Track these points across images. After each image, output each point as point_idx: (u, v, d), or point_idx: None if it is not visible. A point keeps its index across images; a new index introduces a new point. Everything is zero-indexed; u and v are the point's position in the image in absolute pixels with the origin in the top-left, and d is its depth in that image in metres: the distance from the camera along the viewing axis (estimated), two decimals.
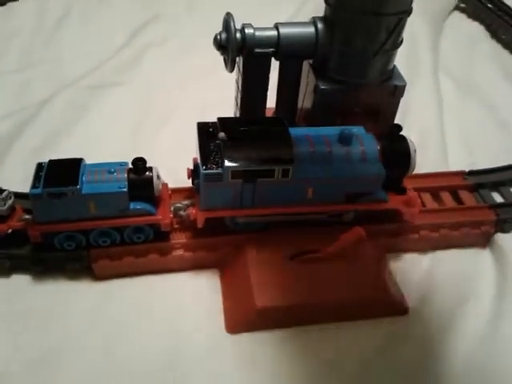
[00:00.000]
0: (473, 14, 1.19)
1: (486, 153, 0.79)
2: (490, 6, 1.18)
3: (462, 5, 1.21)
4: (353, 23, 0.57)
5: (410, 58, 0.96)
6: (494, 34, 1.13)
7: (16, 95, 0.85)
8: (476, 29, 1.15)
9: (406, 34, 1.05)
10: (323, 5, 0.61)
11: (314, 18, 0.60)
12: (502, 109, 0.89)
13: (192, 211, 0.57)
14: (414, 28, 1.05)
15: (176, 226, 0.61)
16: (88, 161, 0.57)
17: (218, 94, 0.73)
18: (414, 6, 1.11)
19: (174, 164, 0.62)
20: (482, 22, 1.17)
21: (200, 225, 0.57)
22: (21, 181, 0.63)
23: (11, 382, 0.50)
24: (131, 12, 1.10)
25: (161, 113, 0.83)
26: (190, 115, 0.71)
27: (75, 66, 0.92)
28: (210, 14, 1.07)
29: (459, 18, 1.19)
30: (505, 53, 1.07)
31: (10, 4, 1.10)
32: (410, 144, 0.59)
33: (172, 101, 0.85)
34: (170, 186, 0.62)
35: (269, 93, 0.65)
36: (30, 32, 1.02)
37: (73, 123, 0.80)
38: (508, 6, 1.16)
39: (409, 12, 0.58)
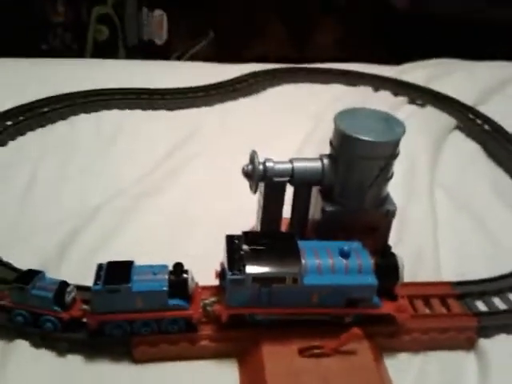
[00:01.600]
0: (471, 134, 1.35)
1: (475, 264, 0.89)
2: (486, 127, 1.35)
3: (461, 125, 1.38)
4: (350, 163, 0.73)
5: (408, 175, 1.11)
6: (490, 153, 1.27)
7: (74, 201, 1.01)
8: (473, 148, 1.30)
9: (407, 151, 1.20)
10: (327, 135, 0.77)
11: (320, 155, 0.76)
12: (492, 225, 1.00)
13: (217, 307, 0.70)
14: (415, 146, 1.20)
15: (203, 319, 0.73)
16: (132, 258, 0.70)
17: (244, 205, 0.86)
18: (416, 125, 1.27)
19: (204, 264, 0.74)
20: (478, 141, 1.32)
21: (224, 320, 0.69)
22: (78, 275, 0.77)
23: None
24: (174, 127, 1.30)
25: (195, 219, 0.97)
26: (219, 223, 0.86)
27: (125, 175, 1.08)
28: (238, 129, 1.27)
29: (459, 138, 1.34)
30: (498, 171, 1.21)
31: (71, 118, 1.31)
32: (398, 260, 0.71)
33: (205, 209, 0.99)
34: (200, 283, 0.75)
35: (285, 206, 0.79)
36: (88, 143, 1.21)
37: (122, 226, 0.94)
38: (502, 127, 1.32)
39: (395, 156, 0.73)
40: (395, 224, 0.82)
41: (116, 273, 0.68)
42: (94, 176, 1.09)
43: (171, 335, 0.70)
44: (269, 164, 0.74)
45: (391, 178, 0.76)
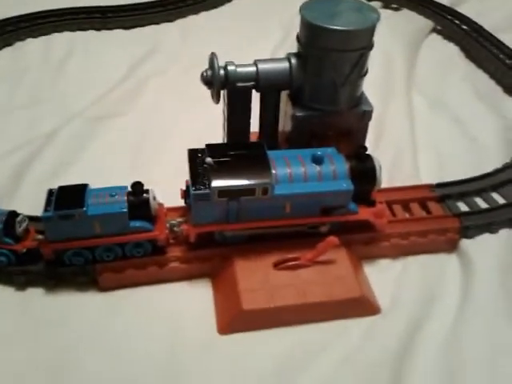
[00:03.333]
0: (449, 36, 1.28)
1: (455, 166, 0.86)
2: (464, 27, 1.27)
3: (439, 27, 1.30)
4: (321, 59, 0.65)
5: (385, 79, 1.04)
6: (468, 55, 1.20)
7: (25, 129, 0.93)
8: (451, 49, 1.23)
9: (383, 55, 1.14)
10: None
11: (288, 54, 0.68)
12: (471, 125, 0.96)
13: (185, 227, 0.65)
14: (391, 50, 1.14)
15: (172, 241, 0.68)
16: (93, 186, 0.64)
17: (212, 121, 0.80)
18: (391, 28, 1.19)
19: (170, 186, 0.69)
20: (457, 43, 1.25)
21: (192, 239, 0.65)
22: (33, 205, 0.70)
23: None
24: (131, 46, 1.19)
25: (159, 140, 0.91)
26: (186, 141, 0.78)
27: (80, 99, 1.00)
28: (202, 44, 1.17)
29: (436, 40, 1.27)
30: (478, 72, 1.14)
31: (17, 44, 1.19)
32: (375, 162, 0.66)
33: (169, 128, 0.93)
34: (166, 205, 0.70)
35: (254, 117, 0.73)
36: (37, 69, 1.10)
37: (78, 152, 0.87)
38: (481, 27, 1.25)
39: (369, 47, 0.66)
40: (371, 129, 0.77)
41: (68, 197, 0.61)
42: (45, 102, 1.00)
43: (137, 259, 0.66)
44: (230, 68, 0.67)
45: (366, 74, 0.69)
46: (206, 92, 0.70)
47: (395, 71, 1.09)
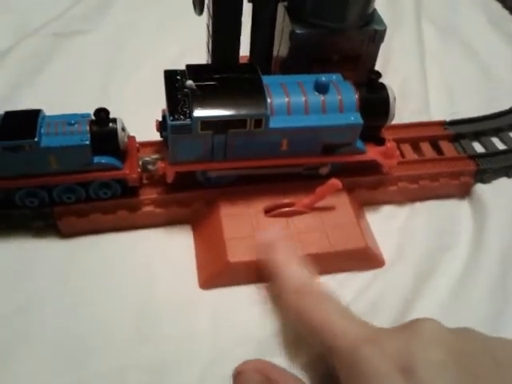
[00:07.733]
0: None
1: (469, 101, 0.77)
2: None
3: None
4: None
5: (391, 4, 0.92)
6: None
7: None
8: None
9: None
10: None
11: None
12: (484, 55, 0.86)
13: (161, 165, 0.55)
14: None
15: (146, 182, 0.58)
16: (54, 113, 0.53)
17: (194, 41, 0.68)
18: None
19: (145, 116, 0.59)
20: None
21: (170, 180, 0.55)
22: None
23: None
24: None
25: (131, 62, 0.79)
26: (163, 64, 0.67)
27: (40, 13, 0.86)
28: None
29: None
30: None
31: None
32: (389, 92, 0.56)
33: (144, 49, 0.81)
34: (140, 139, 0.59)
35: (243, 39, 0.61)
36: None
37: (37, 73, 0.75)
38: None
39: None
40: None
41: (17, 125, 0.50)
42: None
43: (104, 202, 0.56)
44: None
45: None
46: (188, 8, 0.57)
47: None
